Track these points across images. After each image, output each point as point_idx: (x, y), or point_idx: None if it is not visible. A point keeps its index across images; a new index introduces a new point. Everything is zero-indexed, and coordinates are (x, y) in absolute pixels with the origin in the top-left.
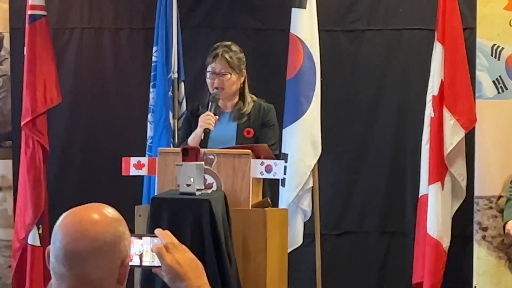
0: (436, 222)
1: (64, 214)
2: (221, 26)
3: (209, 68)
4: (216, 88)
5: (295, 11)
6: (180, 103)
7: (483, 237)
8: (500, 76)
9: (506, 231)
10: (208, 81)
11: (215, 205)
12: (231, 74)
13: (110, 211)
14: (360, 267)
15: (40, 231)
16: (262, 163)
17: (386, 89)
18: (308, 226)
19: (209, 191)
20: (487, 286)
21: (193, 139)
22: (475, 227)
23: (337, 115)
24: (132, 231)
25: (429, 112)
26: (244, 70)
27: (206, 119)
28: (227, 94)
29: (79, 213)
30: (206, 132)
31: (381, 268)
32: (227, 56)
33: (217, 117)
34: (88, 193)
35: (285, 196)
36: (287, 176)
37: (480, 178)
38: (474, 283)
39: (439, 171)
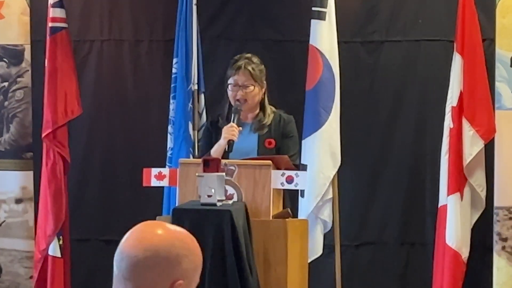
0: (455, 232)
1: (133, 229)
2: (241, 38)
3: (231, 81)
4: (238, 100)
5: (314, 23)
6: (200, 115)
7: (503, 248)
8: None
9: None
10: (230, 93)
11: (236, 216)
12: (254, 86)
13: (177, 231)
14: (380, 277)
15: (61, 242)
16: (283, 174)
17: (405, 100)
18: (327, 236)
19: (230, 202)
20: None
21: (216, 150)
22: (495, 237)
23: (356, 126)
24: None
25: (448, 123)
26: (264, 82)
27: (230, 131)
28: (249, 106)
29: (147, 224)
30: (230, 143)
31: (400, 278)
32: (249, 68)
33: (241, 128)
34: (109, 204)
35: (305, 207)
36: (306, 187)
37: (499, 188)
38: None
39: (458, 182)
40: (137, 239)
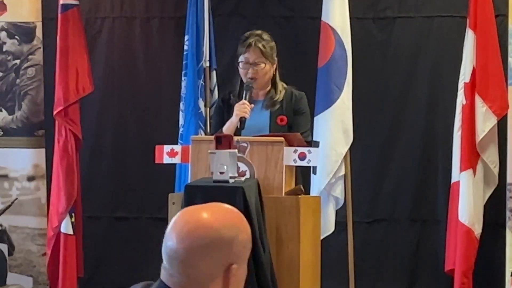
0: (468, 209)
1: (179, 213)
2: (252, 14)
3: (241, 58)
4: (250, 78)
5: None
6: (212, 92)
7: None
8: None
9: None
10: (241, 71)
11: (248, 193)
12: (264, 64)
13: (223, 210)
14: (392, 254)
15: (73, 219)
16: (295, 151)
17: (417, 76)
18: (340, 213)
19: (243, 178)
20: None
21: (229, 127)
22: (508, 214)
23: (368, 103)
24: (165, 219)
25: (461, 99)
26: (275, 59)
27: (242, 108)
28: (260, 83)
29: (190, 212)
30: (242, 120)
31: (412, 255)
32: (260, 45)
33: (252, 105)
34: (121, 182)
35: (317, 184)
36: (319, 164)
37: None
38: (510, 269)
39: (471, 158)
40: (183, 231)
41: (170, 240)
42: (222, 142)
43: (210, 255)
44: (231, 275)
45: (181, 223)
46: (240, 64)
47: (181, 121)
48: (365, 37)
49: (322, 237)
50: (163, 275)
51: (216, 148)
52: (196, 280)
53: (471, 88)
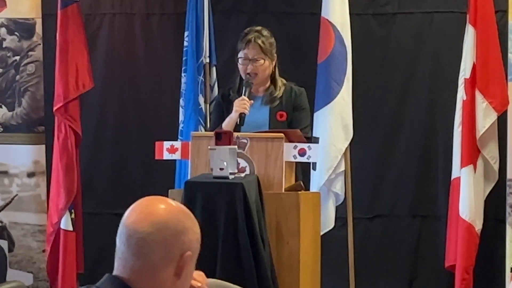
0: (468, 205)
1: (138, 200)
2: (252, 11)
3: (241, 54)
4: (249, 74)
5: None
6: (211, 88)
7: None
8: None
9: None
10: (240, 67)
11: (248, 189)
12: (264, 60)
13: (181, 206)
14: (392, 250)
15: (73, 215)
16: (295, 147)
17: (418, 72)
18: (340, 209)
19: (242, 175)
20: None
21: (228, 123)
22: (508, 209)
23: (368, 99)
24: None
25: (461, 95)
26: (275, 55)
27: (242, 104)
28: (260, 79)
29: (149, 200)
30: (242, 116)
31: (413, 251)
32: (259, 41)
33: (252, 101)
34: (121, 178)
35: (317, 180)
36: (318, 159)
37: None
38: (510, 264)
39: (471, 154)
40: (143, 214)
41: (129, 221)
42: (222, 138)
43: (169, 239)
44: (185, 262)
45: (141, 207)
46: (240, 60)
47: (181, 117)
48: (365, 33)
49: (322, 233)
50: (117, 266)
51: (216, 144)
52: (151, 264)
53: (471, 84)
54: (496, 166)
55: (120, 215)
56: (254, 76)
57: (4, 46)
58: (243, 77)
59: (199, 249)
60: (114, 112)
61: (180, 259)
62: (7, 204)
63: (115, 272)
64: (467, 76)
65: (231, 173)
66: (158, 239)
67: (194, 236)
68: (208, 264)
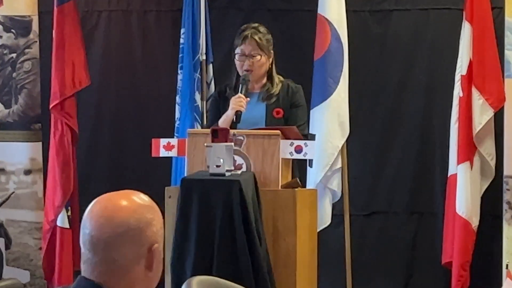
0: (465, 201)
1: (93, 201)
2: (249, 8)
3: (238, 50)
4: (246, 70)
5: None
6: (208, 85)
7: None
8: None
9: None
10: (237, 63)
11: (245, 186)
12: (260, 56)
13: (139, 197)
14: (389, 247)
15: (69, 213)
16: (291, 144)
17: (414, 69)
18: (336, 206)
19: (239, 172)
20: None
21: (224, 120)
22: (505, 206)
23: (365, 96)
24: (162, 213)
25: (457, 91)
26: (272, 51)
27: (238, 101)
28: (256, 75)
29: (106, 200)
30: (238, 114)
31: (410, 248)
32: (256, 37)
33: (248, 99)
34: (117, 175)
35: (313, 177)
36: (315, 156)
37: (509, 157)
38: (506, 261)
39: (468, 151)
40: (103, 218)
41: (90, 229)
42: (219, 135)
43: (134, 239)
44: (154, 255)
45: (99, 210)
46: (236, 56)
47: (177, 115)
48: (361, 30)
49: (318, 230)
50: (85, 270)
51: (213, 141)
52: (122, 264)
53: (468, 80)
54: (492, 163)
55: None
56: (251, 72)
57: (0, 43)
58: (240, 73)
59: (165, 235)
60: (110, 109)
61: (149, 253)
62: (4, 202)
63: (84, 275)
64: (464, 72)
65: (227, 170)
66: (124, 241)
67: (158, 225)
68: (204, 260)
